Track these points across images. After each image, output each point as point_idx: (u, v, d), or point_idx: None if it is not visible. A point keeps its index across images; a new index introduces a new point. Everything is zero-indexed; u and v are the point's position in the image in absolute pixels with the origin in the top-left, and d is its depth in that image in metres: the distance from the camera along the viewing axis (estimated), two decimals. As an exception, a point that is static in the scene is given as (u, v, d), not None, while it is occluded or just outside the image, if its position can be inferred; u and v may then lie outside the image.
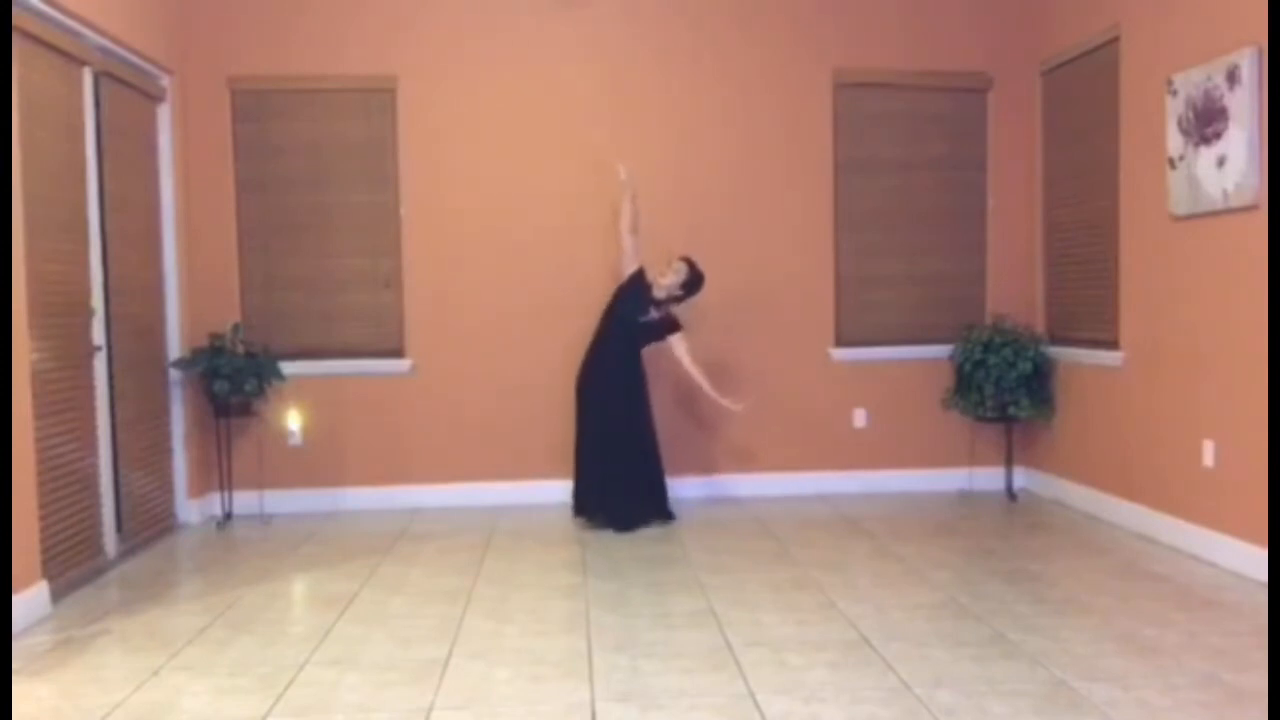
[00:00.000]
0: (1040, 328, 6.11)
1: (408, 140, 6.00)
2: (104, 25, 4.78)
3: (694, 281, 5.56)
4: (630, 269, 5.57)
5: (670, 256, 5.58)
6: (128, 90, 5.21)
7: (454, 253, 6.03)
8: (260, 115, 5.96)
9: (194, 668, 3.48)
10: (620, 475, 5.45)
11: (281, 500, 5.93)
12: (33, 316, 4.10)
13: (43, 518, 4.14)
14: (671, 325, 5.57)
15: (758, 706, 3.05)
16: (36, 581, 4.04)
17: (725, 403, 5.58)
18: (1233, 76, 4.32)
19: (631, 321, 5.52)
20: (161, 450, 5.53)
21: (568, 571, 4.65)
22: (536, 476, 6.02)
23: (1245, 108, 4.25)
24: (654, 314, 5.55)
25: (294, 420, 5.97)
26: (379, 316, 6.06)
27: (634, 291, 5.54)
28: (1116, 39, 5.27)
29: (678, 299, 5.58)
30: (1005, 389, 5.85)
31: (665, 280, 5.52)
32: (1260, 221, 4.19)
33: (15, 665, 3.51)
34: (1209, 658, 3.38)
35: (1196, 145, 4.60)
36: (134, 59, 5.21)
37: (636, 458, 5.52)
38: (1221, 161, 4.42)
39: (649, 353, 5.63)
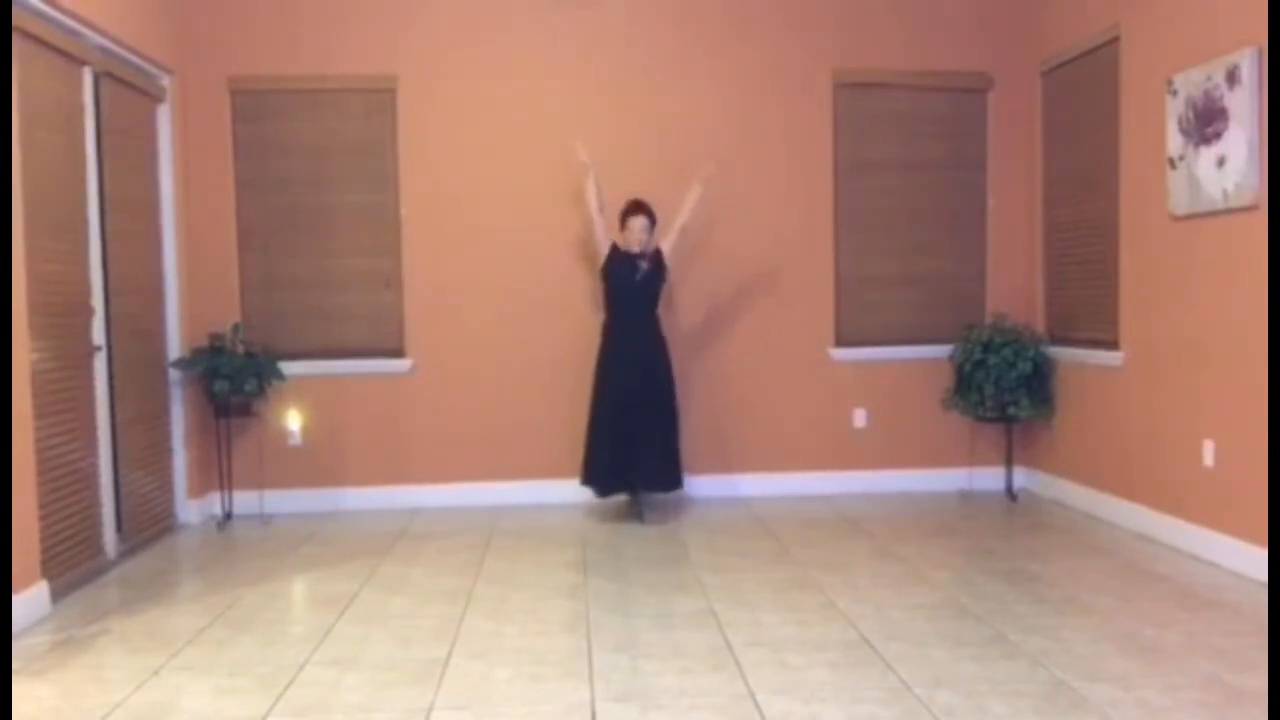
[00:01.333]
0: (1040, 328, 6.11)
1: (408, 140, 6.00)
2: (104, 25, 4.78)
3: (652, 217, 5.64)
4: (604, 248, 5.62)
5: (616, 217, 5.61)
6: (128, 90, 5.21)
7: (454, 253, 6.03)
8: (260, 115, 5.95)
9: (194, 668, 3.48)
10: (659, 438, 5.56)
11: (281, 500, 5.92)
12: (33, 316, 4.10)
13: (43, 518, 4.14)
14: (662, 262, 5.67)
15: (758, 706, 3.05)
16: (36, 581, 4.04)
17: (702, 176, 5.65)
18: (1233, 76, 4.32)
19: (632, 286, 5.57)
20: (161, 450, 5.53)
21: (568, 571, 4.65)
22: (536, 476, 6.01)
23: (1245, 108, 4.25)
24: (644, 266, 5.60)
25: (294, 420, 5.97)
26: (379, 316, 6.05)
27: (620, 263, 5.58)
28: (1116, 39, 5.27)
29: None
30: (1005, 389, 5.85)
31: (639, 243, 5.59)
32: (1260, 221, 4.19)
33: (15, 665, 3.51)
34: (1209, 658, 3.38)
35: (1196, 145, 4.59)
36: (134, 59, 5.21)
37: (669, 422, 5.64)
38: (1221, 161, 4.42)
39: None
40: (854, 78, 6.19)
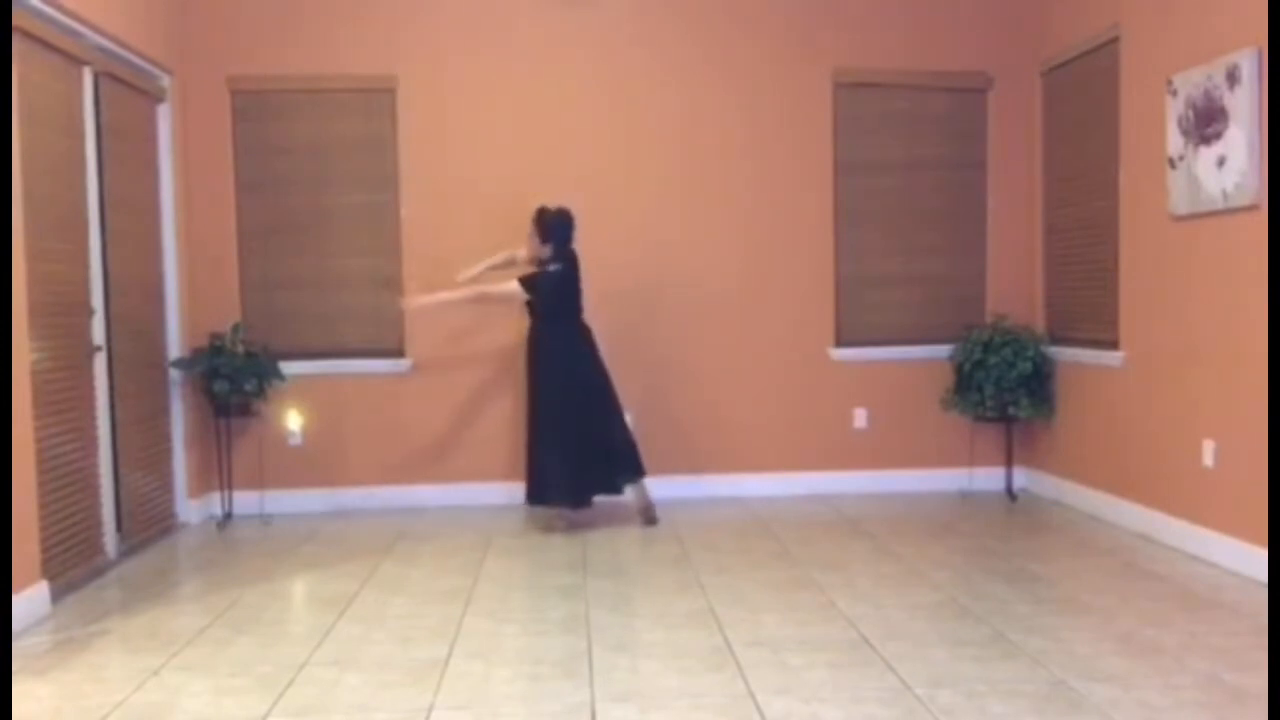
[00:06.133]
0: (1040, 328, 6.11)
1: (408, 140, 6.00)
2: (104, 25, 4.78)
3: (537, 225, 5.39)
4: (512, 285, 5.38)
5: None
6: (128, 90, 5.21)
7: (454, 253, 6.00)
8: (260, 115, 5.96)
9: (194, 668, 3.48)
10: (609, 442, 5.43)
11: (281, 500, 5.92)
12: (33, 316, 4.10)
13: (43, 518, 4.14)
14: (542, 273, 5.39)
15: (758, 706, 3.05)
16: (36, 581, 4.04)
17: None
18: (1233, 76, 4.32)
19: (552, 292, 5.36)
20: (161, 450, 5.53)
21: (567, 571, 4.65)
22: (536, 476, 6.01)
23: (1245, 108, 4.25)
24: (552, 268, 5.38)
25: (294, 420, 5.97)
26: (379, 316, 6.05)
27: (534, 277, 5.39)
28: (1116, 39, 5.27)
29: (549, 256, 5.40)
30: (1005, 389, 5.85)
31: (533, 248, 5.40)
32: (1260, 221, 4.19)
33: (15, 665, 3.51)
34: (1209, 658, 3.38)
35: (1196, 145, 4.60)
36: (134, 59, 5.21)
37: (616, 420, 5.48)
38: (1221, 161, 4.42)
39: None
40: (854, 78, 6.18)
